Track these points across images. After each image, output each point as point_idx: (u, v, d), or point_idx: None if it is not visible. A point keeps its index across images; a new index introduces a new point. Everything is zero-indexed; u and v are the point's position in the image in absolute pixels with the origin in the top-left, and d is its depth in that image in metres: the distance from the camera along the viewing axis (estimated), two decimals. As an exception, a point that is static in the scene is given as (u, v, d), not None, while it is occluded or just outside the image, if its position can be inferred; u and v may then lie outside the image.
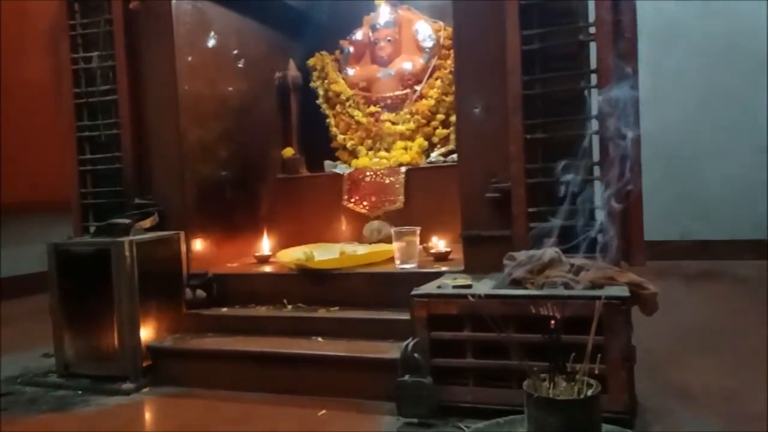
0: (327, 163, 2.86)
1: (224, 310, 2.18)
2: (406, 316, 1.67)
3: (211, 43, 2.42)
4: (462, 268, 1.90)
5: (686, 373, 1.86)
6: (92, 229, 2.24)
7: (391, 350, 1.74)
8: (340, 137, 2.88)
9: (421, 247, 2.19)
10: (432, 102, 2.72)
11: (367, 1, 2.92)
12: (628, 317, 1.45)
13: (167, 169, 2.23)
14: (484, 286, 1.63)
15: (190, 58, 2.28)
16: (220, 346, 2.00)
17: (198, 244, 2.27)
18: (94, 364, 2.04)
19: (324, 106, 2.93)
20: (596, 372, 1.22)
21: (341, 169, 2.78)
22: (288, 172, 2.85)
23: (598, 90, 1.70)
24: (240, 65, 2.61)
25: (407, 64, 2.80)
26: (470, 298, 1.53)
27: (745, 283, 3.22)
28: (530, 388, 1.19)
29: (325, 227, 2.72)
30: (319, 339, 1.97)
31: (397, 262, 2.11)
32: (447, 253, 2.19)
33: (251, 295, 2.22)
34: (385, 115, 2.80)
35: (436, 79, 2.74)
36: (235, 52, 2.58)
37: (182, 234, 2.19)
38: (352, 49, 2.94)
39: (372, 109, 2.83)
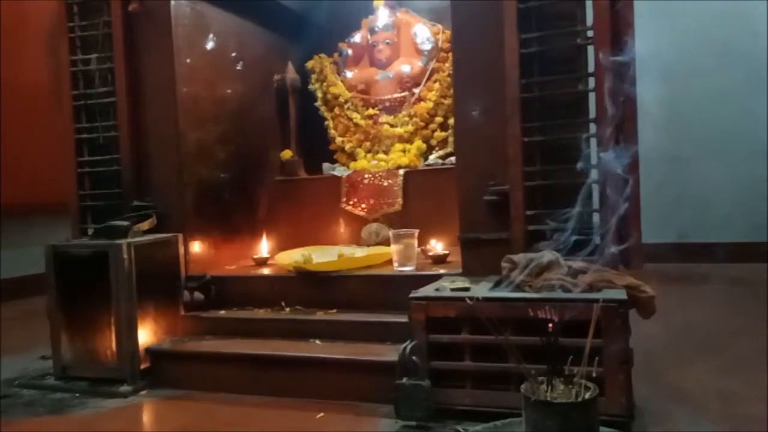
0: (325, 165, 2.86)
1: (222, 312, 2.18)
2: (404, 319, 1.67)
3: (209, 45, 2.42)
4: (460, 270, 1.91)
5: (684, 376, 1.86)
6: (90, 231, 2.24)
7: (389, 353, 1.73)
8: (339, 139, 2.89)
9: (419, 249, 2.19)
10: (430, 104, 2.73)
11: (366, 2, 2.93)
12: (625, 320, 1.46)
13: (165, 172, 2.23)
14: (482, 289, 1.63)
15: (188, 61, 2.28)
16: (218, 349, 2.00)
17: (196, 247, 2.27)
18: (92, 367, 2.04)
19: (322, 108, 2.93)
20: (594, 375, 1.22)
21: (339, 171, 2.78)
22: (286, 174, 2.85)
23: (595, 93, 1.70)
24: (239, 67, 2.61)
25: (406, 66, 2.80)
26: (468, 301, 1.53)
27: (743, 286, 3.22)
28: (528, 391, 1.19)
29: (324, 230, 2.72)
30: (317, 342, 1.97)
31: (396, 264, 2.11)
32: (445, 256, 2.19)
33: (249, 297, 2.22)
34: (384, 118, 2.81)
35: (435, 81, 2.75)
36: (234, 54, 2.58)
37: (180, 236, 2.19)
38: (350, 51, 2.95)
39: (370, 111, 2.83)
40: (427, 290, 1.68)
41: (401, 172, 2.63)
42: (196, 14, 2.35)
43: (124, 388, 1.95)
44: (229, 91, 2.54)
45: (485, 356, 1.56)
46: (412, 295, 1.65)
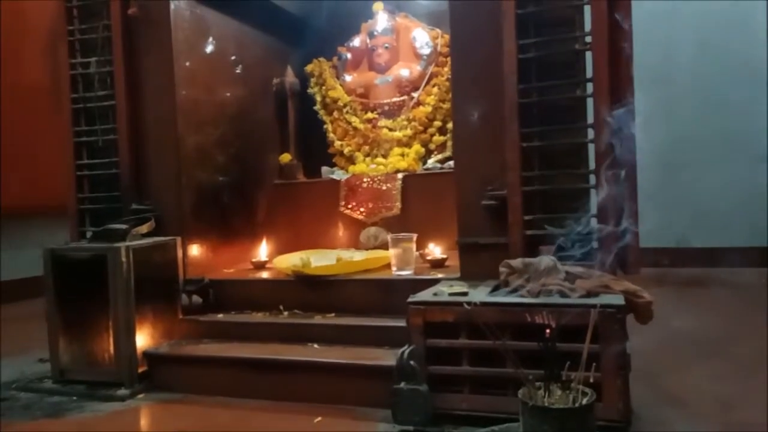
0: (324, 169, 2.86)
1: (220, 316, 2.18)
2: (402, 323, 1.67)
3: (209, 49, 2.42)
4: (458, 275, 1.91)
5: (681, 381, 1.86)
6: (89, 234, 2.24)
7: (387, 357, 1.74)
8: (338, 143, 2.89)
9: (417, 253, 2.19)
10: (429, 109, 2.73)
11: (366, 7, 2.93)
12: (623, 325, 1.46)
13: (164, 175, 2.24)
14: (480, 294, 1.64)
15: (188, 64, 2.28)
16: (215, 353, 2.00)
17: (194, 250, 2.27)
18: (90, 370, 2.03)
19: (321, 112, 2.93)
20: (591, 380, 1.23)
21: (338, 175, 2.78)
22: (285, 177, 2.85)
23: (594, 98, 1.70)
24: (238, 71, 2.61)
25: (404, 70, 2.81)
26: (466, 306, 1.53)
27: (742, 291, 3.22)
28: (525, 396, 1.19)
29: (322, 233, 2.73)
30: (315, 345, 1.97)
31: (394, 268, 2.11)
32: (443, 260, 2.19)
33: (247, 301, 2.22)
34: (383, 122, 2.81)
35: (434, 86, 2.75)
36: (233, 57, 2.59)
37: (179, 239, 2.19)
38: (349, 55, 2.95)
39: (369, 115, 2.84)
40: (425, 295, 1.68)
41: (400, 176, 2.63)
42: (196, 18, 2.35)
43: (122, 391, 1.95)
44: (228, 94, 2.55)
45: (483, 361, 1.56)
46: (410, 299, 1.65)
